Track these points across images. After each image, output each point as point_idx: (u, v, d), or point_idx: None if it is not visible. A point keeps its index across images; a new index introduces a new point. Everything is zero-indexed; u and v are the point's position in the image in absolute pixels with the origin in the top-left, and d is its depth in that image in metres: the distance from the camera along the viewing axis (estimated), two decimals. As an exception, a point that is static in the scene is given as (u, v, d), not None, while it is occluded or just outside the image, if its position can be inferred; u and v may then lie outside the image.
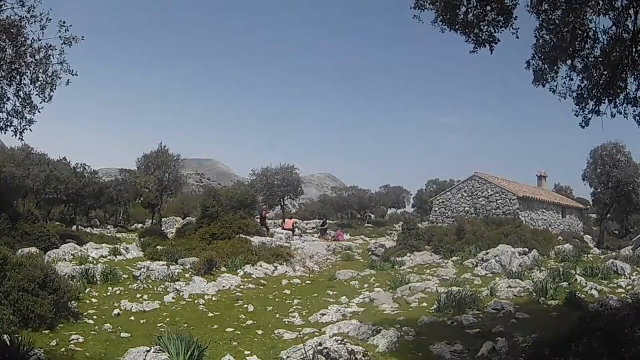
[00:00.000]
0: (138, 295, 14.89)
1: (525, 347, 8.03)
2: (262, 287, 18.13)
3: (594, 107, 9.23)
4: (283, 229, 33.68)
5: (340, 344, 8.75)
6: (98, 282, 15.81)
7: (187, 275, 18.17)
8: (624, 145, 32.39)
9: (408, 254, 24.45)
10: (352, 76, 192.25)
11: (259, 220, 31.50)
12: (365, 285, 18.08)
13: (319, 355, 8.48)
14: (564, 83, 9.32)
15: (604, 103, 9.17)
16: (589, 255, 24.71)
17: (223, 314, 13.56)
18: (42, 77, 8.99)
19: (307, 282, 19.95)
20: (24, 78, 8.96)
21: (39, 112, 9.23)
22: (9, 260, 11.46)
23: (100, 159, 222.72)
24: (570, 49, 8.73)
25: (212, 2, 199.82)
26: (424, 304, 13.99)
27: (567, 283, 14.75)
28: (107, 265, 17.79)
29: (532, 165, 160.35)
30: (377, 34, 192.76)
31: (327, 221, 42.94)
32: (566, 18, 8.40)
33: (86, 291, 14.53)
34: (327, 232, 37.95)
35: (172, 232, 32.29)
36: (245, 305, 14.60)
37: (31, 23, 8.63)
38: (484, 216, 30.79)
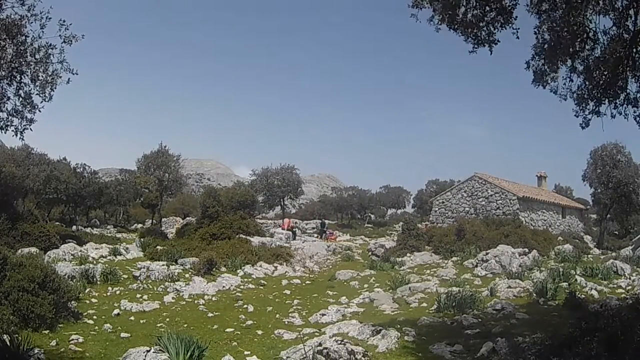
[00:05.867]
0: (138, 296, 14.89)
1: (525, 347, 8.03)
2: (262, 287, 18.13)
3: (594, 107, 9.22)
4: (282, 229, 33.79)
5: (340, 344, 8.74)
6: (98, 282, 15.81)
7: (187, 275, 18.17)
8: (624, 145, 32.41)
9: (408, 255, 24.46)
10: (353, 76, 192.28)
11: None
12: (365, 286, 18.08)
13: (319, 356, 8.48)
14: (565, 84, 9.32)
15: (604, 104, 9.16)
16: (589, 256, 24.74)
17: (223, 314, 13.56)
18: (42, 76, 8.96)
19: (307, 282, 19.96)
20: (25, 77, 8.94)
21: (39, 111, 9.21)
22: (9, 260, 11.47)
23: (100, 159, 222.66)
24: (571, 50, 8.72)
25: (212, 1, 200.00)
26: (424, 304, 13.98)
27: (567, 283, 14.76)
28: (107, 265, 17.80)
29: (532, 166, 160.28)
30: (377, 33, 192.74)
31: (327, 222, 42.95)
32: (566, 18, 8.39)
33: (86, 291, 14.54)
34: (327, 232, 38.05)
35: (172, 232, 32.31)
36: (245, 306, 14.60)
37: (31, 22, 8.63)
38: (484, 216, 30.79)
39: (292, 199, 52.48)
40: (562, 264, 19.77)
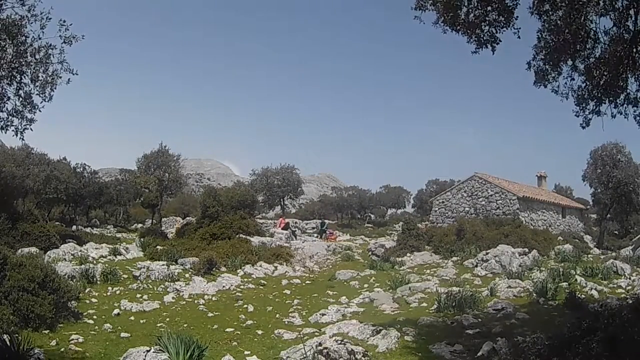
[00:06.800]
0: (138, 295, 14.90)
1: (525, 347, 8.02)
2: (262, 287, 18.14)
3: (594, 107, 9.24)
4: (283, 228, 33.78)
5: (340, 344, 8.74)
6: (98, 282, 15.82)
7: (187, 275, 18.18)
8: (624, 145, 32.41)
9: (408, 254, 24.44)
10: (352, 76, 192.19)
11: None
12: (365, 286, 18.09)
13: (319, 356, 8.48)
14: (566, 83, 9.34)
15: (604, 103, 9.18)
16: (589, 256, 24.72)
17: (223, 314, 13.57)
18: (42, 76, 8.98)
19: (307, 282, 19.96)
20: (25, 77, 8.95)
21: (39, 111, 9.23)
22: (9, 260, 11.48)
23: (100, 159, 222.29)
24: (572, 50, 8.73)
25: (213, 1, 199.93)
26: (424, 304, 13.99)
27: (567, 283, 14.76)
28: (107, 265, 17.81)
29: (532, 166, 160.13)
30: (377, 33, 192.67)
31: (327, 221, 42.89)
32: (567, 19, 8.39)
33: (86, 291, 14.55)
34: (327, 232, 38.04)
35: (172, 232, 32.30)
36: (245, 305, 14.61)
37: (31, 22, 8.64)
38: (484, 216, 30.78)
39: (292, 199, 52.47)
40: (562, 264, 19.77)
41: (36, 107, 9.16)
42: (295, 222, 43.66)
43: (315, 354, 8.46)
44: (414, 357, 9.13)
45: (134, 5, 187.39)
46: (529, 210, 31.96)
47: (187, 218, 40.41)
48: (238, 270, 20.14)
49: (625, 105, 9.10)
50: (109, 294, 14.88)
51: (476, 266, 20.08)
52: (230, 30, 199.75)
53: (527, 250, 22.02)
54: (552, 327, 9.46)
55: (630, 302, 9.89)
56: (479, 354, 8.78)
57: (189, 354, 8.26)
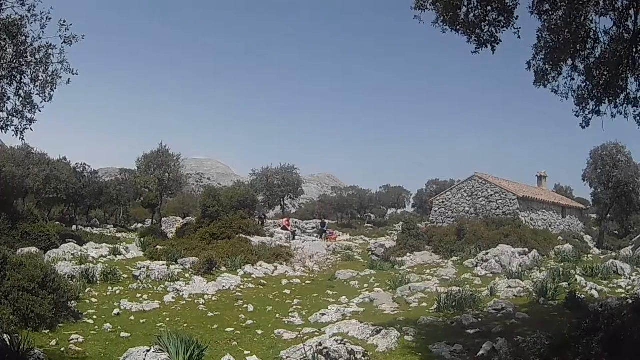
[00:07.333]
0: (138, 295, 14.90)
1: (526, 347, 8.02)
2: (262, 287, 18.14)
3: (594, 107, 9.25)
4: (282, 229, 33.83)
5: (340, 344, 8.75)
6: (98, 282, 15.82)
7: (187, 275, 18.17)
8: (624, 145, 32.47)
9: (408, 254, 24.44)
10: (352, 76, 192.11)
11: None
12: (365, 286, 18.10)
13: (319, 355, 8.49)
14: (566, 83, 9.34)
15: (604, 103, 9.18)
16: (589, 256, 24.73)
17: (223, 314, 13.57)
18: (42, 76, 8.99)
19: (307, 282, 19.97)
20: (25, 77, 8.96)
21: (39, 111, 9.24)
22: (9, 260, 11.47)
23: (100, 159, 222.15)
24: (572, 49, 8.74)
25: (212, 1, 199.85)
26: (424, 304, 13.99)
27: (567, 283, 14.76)
28: (107, 265, 17.81)
29: (532, 166, 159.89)
30: (376, 33, 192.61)
31: (327, 221, 42.91)
32: (567, 18, 8.40)
33: (86, 291, 14.55)
34: (327, 232, 38.04)
35: (172, 232, 32.29)
36: (245, 305, 14.61)
37: (31, 22, 8.65)
38: (484, 216, 30.79)
39: (292, 199, 52.50)
40: (562, 264, 19.77)
41: (36, 107, 9.17)
42: (296, 222, 43.64)
43: (315, 354, 8.46)
44: (414, 357, 9.13)
45: (134, 4, 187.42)
46: (529, 210, 31.96)
47: (187, 218, 40.41)
48: (238, 270, 20.13)
49: (625, 105, 9.11)
50: (109, 293, 14.88)
51: (476, 266, 20.08)
52: (231, 29, 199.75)
53: (527, 250, 22.03)
54: (552, 327, 9.46)
55: (630, 302, 9.88)
56: (479, 354, 8.79)
57: (189, 353, 8.26)
